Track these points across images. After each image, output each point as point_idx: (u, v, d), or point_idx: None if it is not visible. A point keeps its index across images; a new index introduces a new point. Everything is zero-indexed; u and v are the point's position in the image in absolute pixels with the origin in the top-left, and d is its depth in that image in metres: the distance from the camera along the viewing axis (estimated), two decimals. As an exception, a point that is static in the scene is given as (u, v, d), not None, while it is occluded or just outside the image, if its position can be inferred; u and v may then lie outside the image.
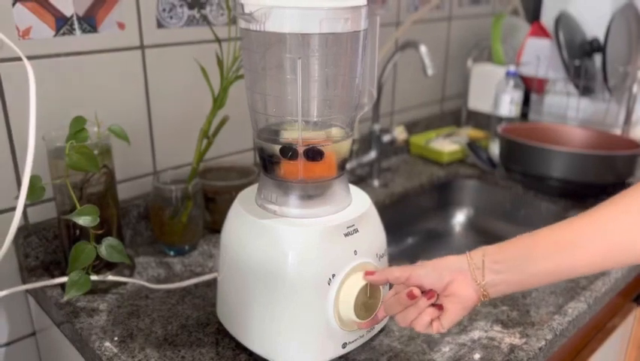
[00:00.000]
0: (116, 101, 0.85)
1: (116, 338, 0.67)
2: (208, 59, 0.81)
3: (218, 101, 0.76)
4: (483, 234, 1.24)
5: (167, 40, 0.88)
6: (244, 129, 1.03)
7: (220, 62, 0.78)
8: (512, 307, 0.75)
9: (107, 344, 0.66)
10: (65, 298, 0.67)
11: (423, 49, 0.99)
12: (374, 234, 0.65)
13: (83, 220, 0.66)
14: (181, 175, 0.87)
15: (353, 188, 0.69)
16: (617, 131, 1.24)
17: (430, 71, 0.98)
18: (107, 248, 0.70)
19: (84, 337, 0.67)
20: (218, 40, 0.76)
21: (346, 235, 0.61)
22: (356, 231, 0.62)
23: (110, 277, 0.75)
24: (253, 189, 0.69)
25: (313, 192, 0.62)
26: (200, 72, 0.79)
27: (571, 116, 1.32)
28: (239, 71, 0.78)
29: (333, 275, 0.60)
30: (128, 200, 0.90)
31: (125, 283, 0.78)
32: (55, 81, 0.79)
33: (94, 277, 0.71)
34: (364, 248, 0.63)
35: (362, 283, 0.60)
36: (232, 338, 0.66)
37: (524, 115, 1.42)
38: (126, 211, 0.88)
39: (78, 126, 0.70)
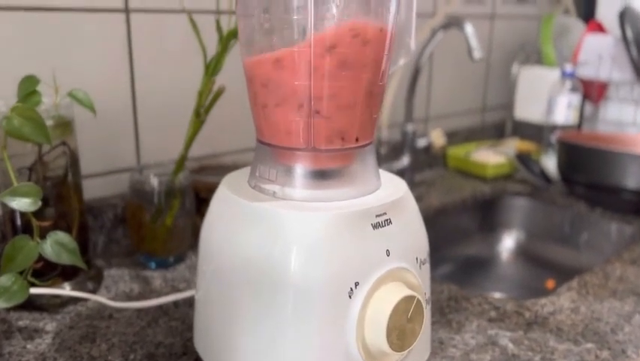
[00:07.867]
0: (91, 78, 0.70)
1: (55, 369, 0.49)
2: (205, 33, 0.64)
3: (212, 66, 0.59)
4: (536, 262, 1.04)
5: (158, 5, 0.73)
6: (250, 125, 0.86)
7: (219, 27, 0.62)
8: (601, 345, 0.55)
9: (39, 376, 0.47)
10: (-11, 311, 0.49)
11: (469, 29, 0.82)
12: (412, 230, 0.47)
13: (18, 203, 0.49)
14: (170, 170, 0.70)
15: (382, 172, 0.51)
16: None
17: (477, 54, 0.81)
18: (54, 246, 0.52)
19: (11, 365, 0.49)
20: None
21: (375, 226, 0.43)
22: (388, 222, 0.44)
23: (49, 290, 0.57)
24: (245, 170, 0.51)
25: (328, 165, 0.44)
26: (197, 49, 0.62)
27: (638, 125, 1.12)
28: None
29: (357, 284, 0.41)
30: (102, 198, 0.73)
31: (86, 299, 0.60)
32: (12, 43, 0.63)
33: (34, 290, 0.53)
34: (400, 248, 0.44)
35: (399, 296, 0.41)
36: (212, 374, 0.48)
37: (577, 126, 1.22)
38: (100, 212, 0.71)
39: (29, 87, 0.54)
